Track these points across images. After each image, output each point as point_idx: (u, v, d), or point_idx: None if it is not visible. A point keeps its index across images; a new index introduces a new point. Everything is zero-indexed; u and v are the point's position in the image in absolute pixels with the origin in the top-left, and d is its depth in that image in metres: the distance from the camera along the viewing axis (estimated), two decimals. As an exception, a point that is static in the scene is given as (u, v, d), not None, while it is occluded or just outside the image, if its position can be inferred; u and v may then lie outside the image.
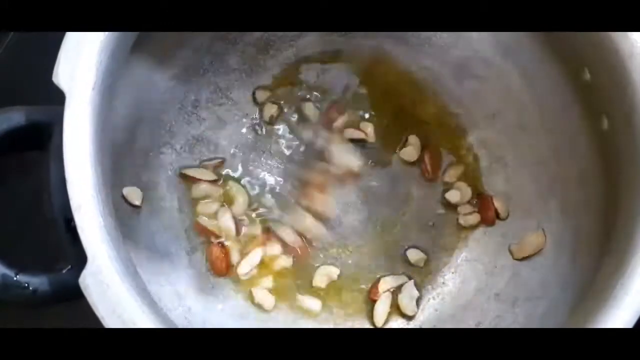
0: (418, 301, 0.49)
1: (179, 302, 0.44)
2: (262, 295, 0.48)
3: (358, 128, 0.51)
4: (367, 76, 0.51)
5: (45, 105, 0.36)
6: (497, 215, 0.49)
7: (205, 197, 0.49)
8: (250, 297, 0.48)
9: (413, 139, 0.51)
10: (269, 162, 0.51)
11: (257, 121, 0.51)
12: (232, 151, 0.50)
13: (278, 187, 0.50)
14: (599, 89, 0.40)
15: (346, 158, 0.51)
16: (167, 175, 0.48)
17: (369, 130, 0.51)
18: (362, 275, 0.50)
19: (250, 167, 0.51)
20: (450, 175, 0.51)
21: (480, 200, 0.50)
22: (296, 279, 0.49)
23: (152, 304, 0.34)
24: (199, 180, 0.49)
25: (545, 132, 0.47)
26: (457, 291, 0.49)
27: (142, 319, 0.32)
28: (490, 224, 0.49)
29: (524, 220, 0.48)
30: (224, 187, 0.50)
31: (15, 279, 0.34)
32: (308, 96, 0.51)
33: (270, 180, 0.50)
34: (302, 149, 0.51)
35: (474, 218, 0.50)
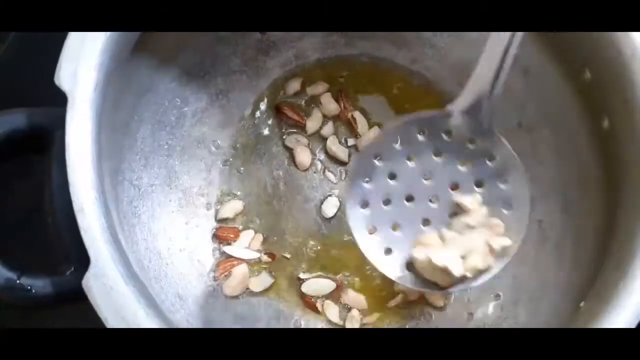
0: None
1: (180, 304, 0.44)
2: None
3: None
4: (368, 77, 0.52)
5: (47, 107, 0.36)
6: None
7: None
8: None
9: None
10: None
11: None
12: (232, 152, 0.51)
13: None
14: (599, 88, 0.40)
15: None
16: (168, 176, 0.48)
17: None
18: (363, 275, 0.50)
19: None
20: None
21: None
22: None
23: (154, 306, 0.34)
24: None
25: (546, 132, 0.47)
26: (458, 291, 0.49)
27: (145, 321, 0.32)
28: None
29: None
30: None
31: (18, 281, 0.34)
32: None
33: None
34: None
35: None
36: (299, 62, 0.51)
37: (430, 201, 0.40)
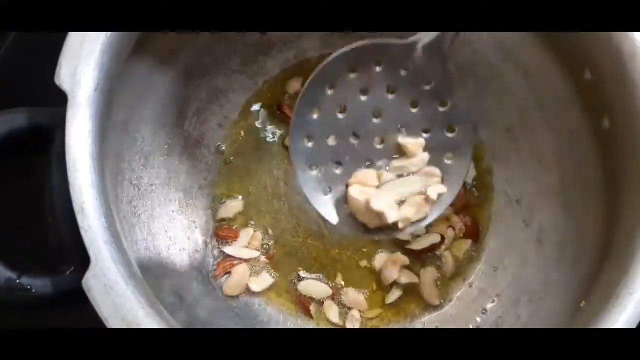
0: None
1: (180, 304, 0.44)
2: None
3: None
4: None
5: (47, 107, 0.36)
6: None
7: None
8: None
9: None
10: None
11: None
12: (232, 152, 0.51)
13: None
14: (600, 88, 0.40)
15: None
16: (168, 176, 0.48)
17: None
18: (362, 275, 0.50)
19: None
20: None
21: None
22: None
23: (154, 305, 0.34)
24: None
25: (546, 132, 0.47)
26: (458, 291, 0.49)
27: (145, 321, 0.32)
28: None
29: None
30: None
31: (18, 281, 0.34)
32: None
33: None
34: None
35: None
36: (299, 62, 0.51)
37: (376, 141, 0.40)
